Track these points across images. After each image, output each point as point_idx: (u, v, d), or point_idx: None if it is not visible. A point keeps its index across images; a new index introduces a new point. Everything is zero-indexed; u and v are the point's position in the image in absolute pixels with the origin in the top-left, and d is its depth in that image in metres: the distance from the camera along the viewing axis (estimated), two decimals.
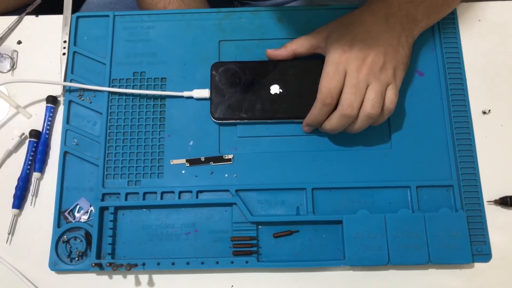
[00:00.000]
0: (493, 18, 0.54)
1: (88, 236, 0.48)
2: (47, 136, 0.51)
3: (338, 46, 0.45)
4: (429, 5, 0.48)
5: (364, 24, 0.46)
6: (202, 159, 0.49)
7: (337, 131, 0.46)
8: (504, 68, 0.52)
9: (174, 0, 0.56)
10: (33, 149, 0.50)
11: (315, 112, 0.46)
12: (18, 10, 0.61)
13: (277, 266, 0.46)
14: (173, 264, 0.46)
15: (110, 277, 0.47)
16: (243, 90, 0.50)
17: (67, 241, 0.47)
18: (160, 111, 0.51)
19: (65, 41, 0.54)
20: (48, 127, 0.51)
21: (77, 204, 0.49)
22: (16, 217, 0.49)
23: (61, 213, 0.48)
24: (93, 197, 0.49)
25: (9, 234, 0.49)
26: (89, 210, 0.48)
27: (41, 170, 0.50)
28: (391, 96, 0.45)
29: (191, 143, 0.50)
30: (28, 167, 0.50)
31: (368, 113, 0.44)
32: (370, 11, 0.47)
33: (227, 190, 0.48)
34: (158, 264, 0.46)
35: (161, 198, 0.48)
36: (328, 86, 0.44)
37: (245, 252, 0.46)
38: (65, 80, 0.52)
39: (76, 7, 0.61)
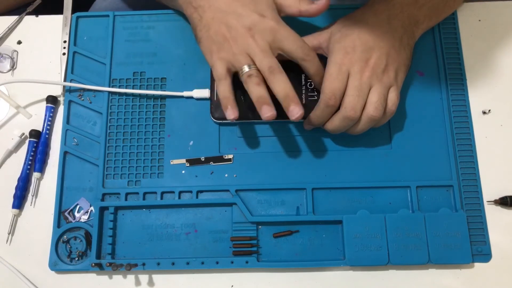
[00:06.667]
0: (493, 18, 0.54)
1: (88, 236, 0.48)
2: (47, 136, 0.51)
3: (341, 47, 0.45)
4: (432, 7, 0.48)
5: (366, 25, 0.46)
6: (202, 159, 0.49)
7: (339, 132, 0.46)
8: (504, 68, 0.52)
9: None
10: (33, 149, 0.50)
11: (318, 113, 0.45)
12: (18, 10, 0.61)
13: (277, 266, 0.46)
14: (173, 264, 0.46)
15: (110, 277, 0.47)
16: (243, 90, 0.50)
17: (67, 241, 0.47)
18: (160, 111, 0.51)
19: (65, 41, 0.54)
20: (48, 127, 0.51)
21: (77, 204, 0.49)
22: (16, 217, 0.49)
23: (61, 213, 0.48)
24: (93, 197, 0.49)
25: (9, 234, 0.49)
26: (89, 210, 0.48)
27: (41, 170, 0.50)
28: (393, 98, 0.45)
29: (191, 143, 0.50)
30: (28, 167, 0.50)
31: (371, 116, 0.44)
32: (373, 12, 0.47)
33: (227, 190, 0.48)
34: (158, 264, 0.46)
35: (161, 198, 0.48)
36: (331, 87, 0.44)
37: (245, 252, 0.46)
38: (65, 80, 0.52)
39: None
